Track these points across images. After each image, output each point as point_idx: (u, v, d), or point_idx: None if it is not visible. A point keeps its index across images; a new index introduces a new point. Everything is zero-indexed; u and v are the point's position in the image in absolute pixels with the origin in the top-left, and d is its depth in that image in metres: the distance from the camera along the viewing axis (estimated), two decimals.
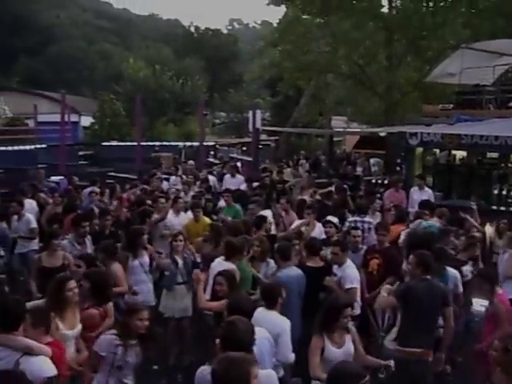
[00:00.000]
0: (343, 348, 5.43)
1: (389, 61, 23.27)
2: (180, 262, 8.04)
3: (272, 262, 7.81)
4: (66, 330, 5.59)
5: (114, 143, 28.95)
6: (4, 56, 61.27)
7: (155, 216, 10.11)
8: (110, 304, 6.32)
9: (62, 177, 18.50)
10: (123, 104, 36.98)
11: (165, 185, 15.67)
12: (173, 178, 16.74)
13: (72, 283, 5.77)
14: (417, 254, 6.46)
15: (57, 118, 25.24)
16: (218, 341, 4.29)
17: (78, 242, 8.58)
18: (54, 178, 18.61)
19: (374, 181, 20.08)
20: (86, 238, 8.77)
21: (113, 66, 57.43)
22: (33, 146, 25.75)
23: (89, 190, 13.72)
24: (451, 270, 7.37)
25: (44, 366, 4.53)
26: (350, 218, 10.54)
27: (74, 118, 35.90)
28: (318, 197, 13.06)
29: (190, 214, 10.76)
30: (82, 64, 68.16)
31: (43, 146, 25.71)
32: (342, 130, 33.34)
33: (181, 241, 8.10)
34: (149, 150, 25.47)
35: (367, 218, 10.37)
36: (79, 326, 5.76)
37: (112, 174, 20.39)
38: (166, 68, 44.68)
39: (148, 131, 34.61)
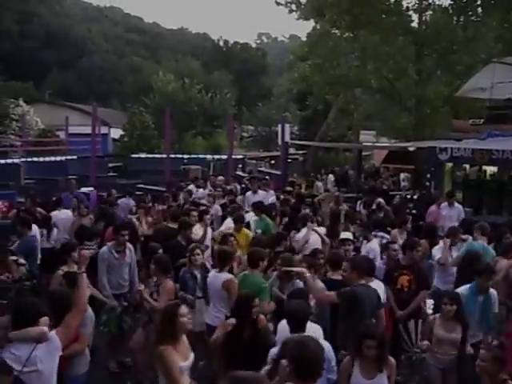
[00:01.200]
0: (373, 381, 5.24)
1: (419, 75, 23.13)
2: (198, 275, 7.96)
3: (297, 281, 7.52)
4: (181, 361, 5.11)
5: (143, 155, 29.12)
6: (37, 69, 62.52)
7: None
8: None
9: (91, 188, 18.69)
10: (152, 117, 37.31)
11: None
12: (200, 190, 16.80)
13: (183, 309, 5.27)
14: (350, 260, 6.88)
15: (87, 129, 25.53)
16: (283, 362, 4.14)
17: (116, 250, 8.58)
18: (83, 189, 18.83)
19: (403, 196, 19.95)
20: (125, 247, 8.75)
21: (142, 79, 58.05)
22: (63, 158, 26.07)
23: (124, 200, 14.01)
24: (493, 291, 7.28)
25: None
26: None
27: (103, 130, 36.33)
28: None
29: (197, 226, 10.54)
30: (112, 77, 69.19)
31: (74, 157, 26.01)
32: (370, 144, 33.23)
33: (198, 254, 8.02)
34: (177, 163, 25.57)
35: (381, 233, 10.31)
36: (192, 356, 5.29)
37: (141, 185, 20.50)
38: (194, 81, 45.01)
39: (176, 144, 34.85)
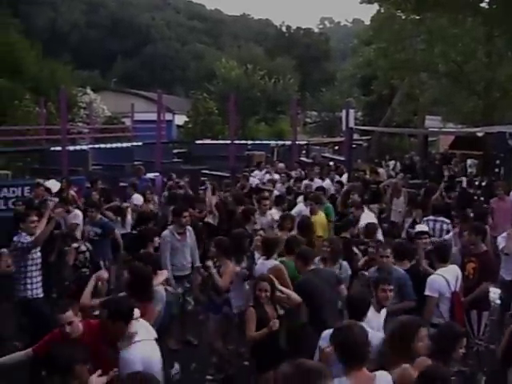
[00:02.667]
0: None
1: (488, 57, 22.48)
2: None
3: (345, 263, 7.56)
4: None
5: (207, 141, 29.36)
6: (103, 58, 63.81)
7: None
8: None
9: (157, 174, 18.96)
10: (216, 103, 37.51)
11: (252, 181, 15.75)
12: (259, 174, 16.88)
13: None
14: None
15: (152, 116, 25.86)
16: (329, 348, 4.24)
17: (178, 232, 8.66)
18: (149, 175, 19.12)
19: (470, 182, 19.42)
20: (186, 229, 8.82)
21: (205, 65, 58.43)
22: (129, 144, 26.53)
23: None
24: None
25: None
26: (424, 218, 10.27)
27: (168, 116, 36.80)
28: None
29: (274, 211, 10.57)
30: (175, 64, 69.90)
31: (139, 143, 26.43)
32: (437, 129, 32.51)
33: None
34: (241, 149, 25.67)
35: (441, 218, 10.07)
36: None
37: (205, 171, 20.66)
38: (257, 67, 44.96)
39: (240, 130, 34.95)
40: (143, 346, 4.77)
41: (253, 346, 6.32)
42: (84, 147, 24.68)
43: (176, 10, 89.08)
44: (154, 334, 5.07)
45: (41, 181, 13.80)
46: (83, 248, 8.95)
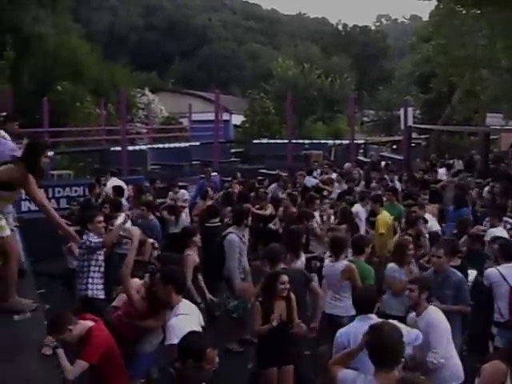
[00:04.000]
0: None
1: None
2: None
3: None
4: None
5: (265, 141, 29.39)
6: (160, 59, 64.65)
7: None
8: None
9: (215, 173, 19.09)
10: (273, 102, 37.49)
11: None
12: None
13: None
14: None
15: (209, 116, 26.11)
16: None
17: (243, 234, 8.68)
18: None
19: None
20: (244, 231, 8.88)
21: (261, 65, 58.50)
22: (187, 144, 26.82)
23: None
24: None
25: None
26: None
27: (225, 116, 37.01)
28: None
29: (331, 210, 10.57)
30: (231, 64, 70.22)
31: (197, 143, 26.69)
32: (498, 127, 31.69)
33: None
34: (299, 148, 25.62)
35: (506, 219, 9.88)
36: None
37: (263, 171, 20.71)
38: (314, 66, 44.72)
39: (297, 129, 34.87)
40: (185, 320, 5.07)
41: (261, 341, 6.35)
42: (143, 147, 25.10)
43: (232, 11, 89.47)
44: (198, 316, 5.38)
45: (100, 179, 14.08)
46: (157, 245, 9.16)
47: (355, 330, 5.05)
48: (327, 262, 7.40)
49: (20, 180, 5.57)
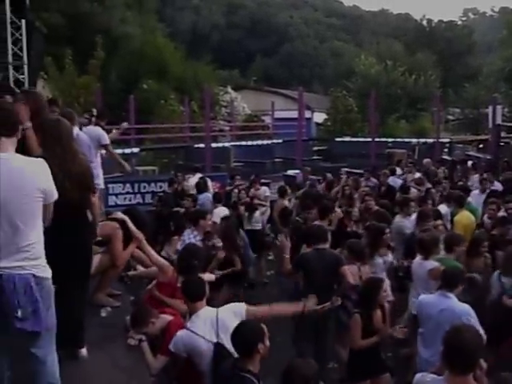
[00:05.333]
0: None
1: None
2: None
3: None
4: None
5: (347, 139, 29.08)
6: (242, 57, 65.14)
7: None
8: None
9: (297, 171, 19.04)
10: (355, 100, 37.09)
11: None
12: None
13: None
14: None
15: (291, 114, 26.07)
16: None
17: None
18: (290, 172, 19.26)
19: None
20: None
21: (343, 62, 58.01)
22: (270, 141, 26.87)
23: None
24: None
25: None
26: None
27: (307, 114, 36.85)
28: None
29: None
30: (313, 62, 69.99)
31: (279, 141, 26.68)
32: None
33: None
34: (382, 146, 25.21)
35: None
36: None
37: (345, 169, 20.47)
38: (397, 63, 43.95)
39: (379, 127, 34.33)
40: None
41: (354, 353, 6.16)
42: (226, 144, 25.31)
43: (314, 8, 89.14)
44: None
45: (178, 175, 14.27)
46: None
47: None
48: (417, 259, 7.21)
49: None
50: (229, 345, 4.56)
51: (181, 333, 4.98)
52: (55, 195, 3.75)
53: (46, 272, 3.70)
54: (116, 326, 5.67)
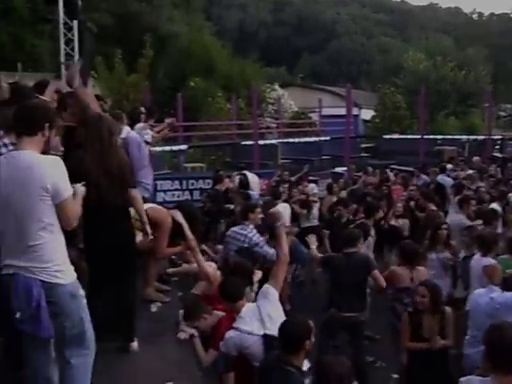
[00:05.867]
0: None
1: None
2: None
3: None
4: None
5: (396, 136, 28.69)
6: (289, 54, 65.06)
7: None
8: None
9: (345, 168, 18.93)
10: (403, 97, 36.61)
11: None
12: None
13: None
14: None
15: (338, 111, 25.87)
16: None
17: None
18: (338, 169, 19.15)
19: None
20: None
21: (391, 58, 57.38)
22: (317, 138, 26.75)
23: None
24: None
25: None
26: None
27: (354, 111, 36.54)
28: None
29: None
30: (360, 58, 69.49)
31: (327, 138, 26.53)
32: None
33: None
34: (431, 144, 24.82)
35: None
36: None
37: (393, 166, 20.24)
38: (447, 59, 43.21)
39: (428, 124, 33.84)
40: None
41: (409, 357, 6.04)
42: (273, 141, 25.29)
43: (361, 4, 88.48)
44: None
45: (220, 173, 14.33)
46: None
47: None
48: (476, 256, 7.10)
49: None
50: (276, 331, 4.59)
51: (230, 333, 5.01)
52: (65, 194, 3.56)
53: (60, 278, 3.54)
54: (166, 320, 5.76)
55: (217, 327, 5.36)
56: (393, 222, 10.24)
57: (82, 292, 3.69)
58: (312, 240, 7.53)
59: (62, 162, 3.60)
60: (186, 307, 5.60)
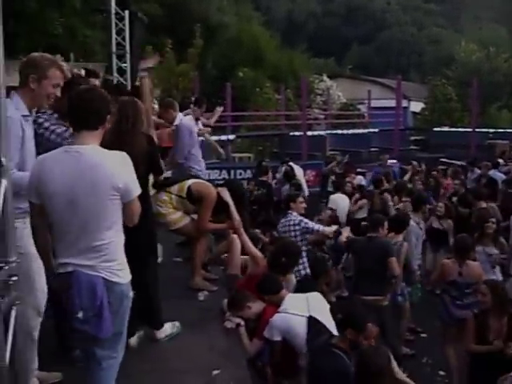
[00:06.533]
0: None
1: None
2: None
3: None
4: None
5: (446, 129, 28.19)
6: (338, 45, 64.51)
7: None
8: None
9: (394, 161, 18.67)
10: (454, 89, 35.92)
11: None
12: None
13: None
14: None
15: (387, 103, 25.58)
16: None
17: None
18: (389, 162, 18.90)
19: None
20: None
21: (442, 49, 56.35)
22: (366, 130, 26.52)
23: None
24: None
25: None
26: None
27: (403, 103, 36.07)
28: None
29: None
30: (411, 49, 68.43)
31: (375, 130, 26.28)
32: None
33: None
34: (482, 137, 24.32)
35: None
36: None
37: (443, 160, 19.89)
38: (500, 50, 42.22)
39: (480, 117, 33.16)
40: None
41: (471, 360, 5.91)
42: (321, 133, 25.17)
43: None
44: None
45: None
46: None
47: None
48: None
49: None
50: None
51: (275, 317, 5.06)
52: (135, 193, 3.44)
53: (120, 277, 3.46)
54: (213, 309, 5.78)
55: (261, 317, 5.35)
56: (436, 225, 10.11)
57: (131, 294, 3.60)
58: (346, 229, 8.07)
59: (129, 158, 3.45)
60: (229, 297, 5.61)
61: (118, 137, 4.52)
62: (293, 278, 6.51)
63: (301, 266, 7.31)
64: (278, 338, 5.03)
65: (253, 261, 6.10)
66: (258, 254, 6.14)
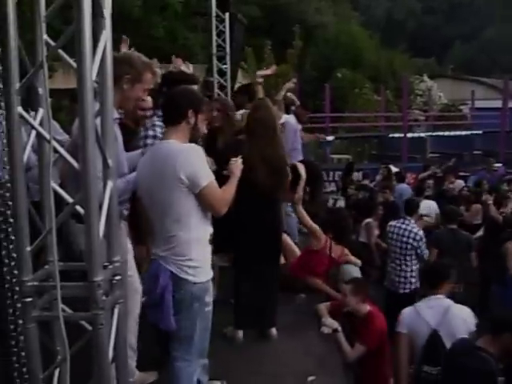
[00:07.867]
0: None
1: None
2: None
3: None
4: None
5: None
6: (439, 43, 62.74)
7: None
8: None
9: (499, 164, 17.91)
10: None
11: None
12: None
13: None
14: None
15: (491, 104, 24.55)
16: None
17: None
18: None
19: None
20: None
21: None
22: (469, 132, 25.63)
23: None
24: None
25: None
26: None
27: (510, 103, 34.59)
28: None
29: None
30: None
31: (479, 132, 25.35)
32: None
33: None
34: None
35: None
36: None
37: None
38: None
39: None
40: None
41: None
42: (422, 134, 24.58)
43: None
44: None
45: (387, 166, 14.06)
46: None
47: None
48: None
49: None
50: (448, 338, 4.61)
51: (408, 309, 5.13)
52: (203, 183, 3.40)
53: (190, 275, 3.44)
54: (309, 313, 5.78)
55: (369, 322, 5.30)
56: None
57: (208, 299, 3.56)
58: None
59: (200, 150, 3.50)
60: (353, 282, 5.58)
61: (264, 150, 4.84)
62: None
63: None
64: (404, 331, 5.03)
65: (313, 236, 6.10)
66: (317, 227, 6.09)
